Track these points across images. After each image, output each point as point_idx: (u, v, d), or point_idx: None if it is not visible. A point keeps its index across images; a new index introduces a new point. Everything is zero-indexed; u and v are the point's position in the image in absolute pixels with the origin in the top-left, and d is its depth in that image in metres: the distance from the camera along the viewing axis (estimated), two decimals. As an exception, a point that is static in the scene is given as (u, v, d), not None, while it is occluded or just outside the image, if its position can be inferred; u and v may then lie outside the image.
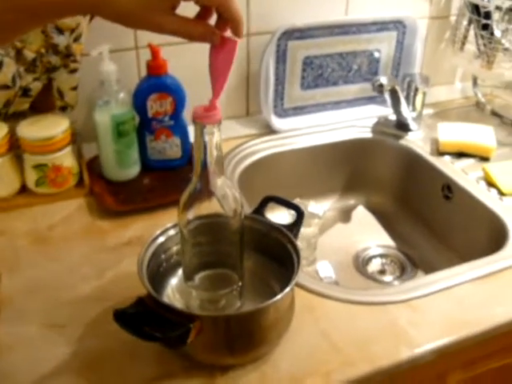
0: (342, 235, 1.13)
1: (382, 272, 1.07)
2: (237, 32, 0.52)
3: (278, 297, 0.59)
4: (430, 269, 1.05)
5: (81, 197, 0.92)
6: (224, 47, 0.53)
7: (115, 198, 0.90)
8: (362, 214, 1.18)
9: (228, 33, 0.53)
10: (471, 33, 1.19)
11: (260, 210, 0.72)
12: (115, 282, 0.75)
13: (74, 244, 0.82)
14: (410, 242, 1.11)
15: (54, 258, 0.79)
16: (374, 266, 1.08)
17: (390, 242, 1.12)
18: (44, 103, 0.90)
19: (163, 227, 0.68)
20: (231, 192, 0.61)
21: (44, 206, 0.89)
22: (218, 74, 0.54)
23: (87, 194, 0.92)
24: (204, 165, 0.58)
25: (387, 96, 1.02)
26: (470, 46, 1.20)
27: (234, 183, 0.98)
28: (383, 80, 0.95)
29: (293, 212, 0.72)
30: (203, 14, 0.52)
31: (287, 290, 0.60)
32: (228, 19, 0.51)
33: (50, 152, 0.88)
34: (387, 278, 1.05)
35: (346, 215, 1.18)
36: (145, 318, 0.56)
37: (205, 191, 0.60)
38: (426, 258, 1.07)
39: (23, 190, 0.91)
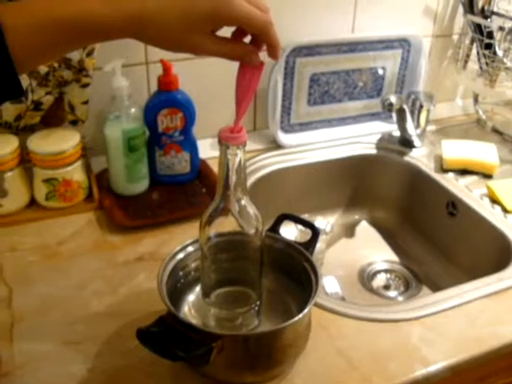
0: (347, 250, 1.14)
1: (387, 287, 1.07)
2: (275, 55, 0.52)
3: (299, 316, 0.59)
4: (434, 285, 1.06)
5: (90, 211, 0.92)
6: (254, 70, 0.53)
7: (124, 213, 0.90)
8: (366, 229, 1.19)
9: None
10: (473, 51, 1.21)
11: (275, 227, 0.72)
12: (129, 298, 0.75)
13: (84, 259, 0.82)
14: (414, 257, 1.12)
15: (66, 274, 0.79)
16: (379, 281, 1.08)
17: (395, 257, 1.13)
18: (55, 117, 0.90)
19: (182, 244, 0.68)
20: (253, 211, 0.61)
21: (53, 220, 0.89)
22: (243, 94, 0.55)
23: (96, 209, 0.92)
24: (226, 184, 0.59)
25: (394, 113, 1.04)
26: (473, 65, 1.22)
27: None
28: (393, 99, 0.96)
29: (301, 227, 0.72)
30: (239, 34, 0.53)
31: (306, 310, 0.60)
32: (267, 44, 0.51)
33: (61, 166, 0.87)
34: (392, 293, 1.06)
35: (350, 230, 1.18)
36: (167, 336, 0.56)
37: (226, 210, 0.60)
38: (430, 274, 1.08)
39: (32, 203, 0.90)
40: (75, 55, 0.85)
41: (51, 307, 0.73)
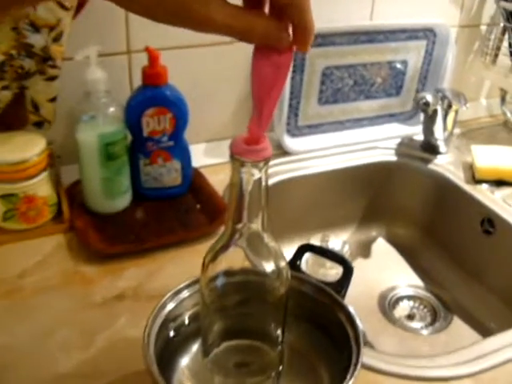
0: (364, 272, 0.98)
1: (411, 317, 0.92)
2: (306, 43, 0.36)
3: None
4: (466, 314, 0.91)
5: (59, 233, 0.75)
6: (281, 55, 0.37)
7: (101, 236, 0.73)
8: (383, 247, 1.03)
9: None
10: (505, 44, 1.06)
11: (295, 262, 0.56)
12: (105, 352, 0.58)
13: (50, 298, 0.65)
14: (441, 281, 0.97)
15: (26, 318, 0.62)
16: (402, 309, 0.93)
17: (418, 281, 0.98)
18: (14, 118, 0.73)
19: (174, 289, 0.51)
20: (274, 247, 0.45)
21: (13, 245, 0.72)
22: (267, 90, 0.38)
23: (67, 230, 0.75)
24: (239, 214, 0.42)
25: (422, 114, 0.88)
26: (504, 59, 1.07)
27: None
28: (429, 98, 0.80)
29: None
30: (251, 4, 0.36)
31: None
32: (299, 22, 0.35)
33: (21, 179, 0.71)
34: (416, 324, 0.90)
35: (366, 249, 1.03)
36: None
37: (237, 244, 0.44)
38: (460, 301, 0.93)
39: (-14, 224, 0.73)
40: (38, 40, 0.68)
41: (8, 367, 0.56)
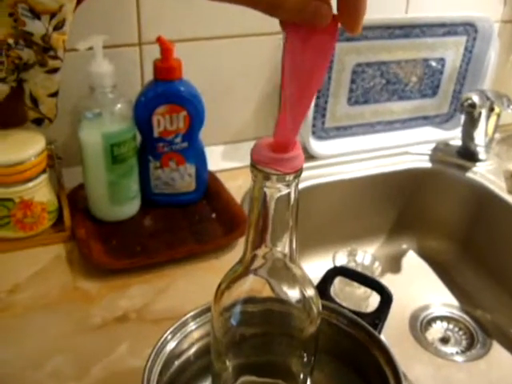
0: (392, 290, 0.88)
1: (445, 340, 0.83)
2: (355, 20, 0.28)
3: None
4: (507, 339, 0.82)
5: (59, 243, 0.67)
6: (321, 36, 0.29)
7: (105, 248, 0.66)
8: (415, 262, 0.95)
9: None
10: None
11: (325, 289, 0.48)
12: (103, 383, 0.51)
13: (44, 318, 0.58)
14: (479, 301, 0.88)
15: (15, 342, 0.55)
16: (435, 331, 0.84)
17: (453, 300, 0.89)
18: (11, 114, 0.66)
19: (178, 321, 0.43)
20: (301, 276, 0.37)
21: (6, 255, 0.65)
22: (303, 84, 0.30)
23: (68, 240, 0.68)
24: (261, 236, 0.34)
25: (463, 117, 0.79)
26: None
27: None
28: (475, 99, 0.71)
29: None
30: None
31: None
32: (346, 4, 0.27)
33: (17, 182, 0.64)
34: (451, 349, 0.81)
35: (395, 263, 0.94)
36: None
37: (257, 274, 0.36)
38: (501, 324, 0.84)
39: (-21, 232, 0.66)
40: (38, 28, 0.60)
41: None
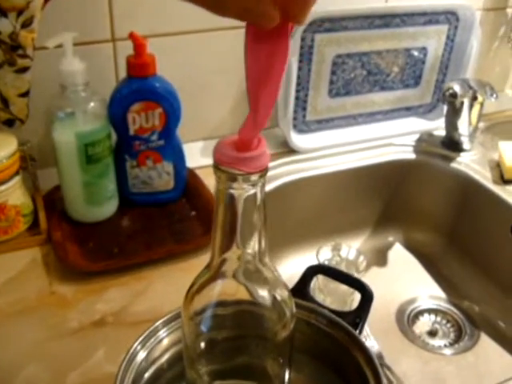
0: (379, 283, 0.87)
1: (433, 334, 0.82)
2: (302, 14, 0.27)
3: None
4: (495, 331, 0.82)
5: (35, 246, 0.66)
6: (273, 36, 0.28)
7: (81, 250, 0.64)
8: (401, 254, 0.94)
9: None
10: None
11: (303, 287, 0.46)
12: (80, 392, 0.50)
13: (19, 324, 0.56)
14: (466, 293, 0.87)
15: (-11, 349, 0.53)
16: (423, 325, 0.83)
17: (440, 292, 0.88)
18: (-19, 116, 0.64)
19: (149, 328, 0.42)
20: (273, 278, 0.36)
21: (-20, 261, 0.63)
22: (260, 83, 0.29)
23: (45, 243, 0.66)
24: (228, 238, 0.33)
25: (445, 106, 0.78)
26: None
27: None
28: (456, 88, 0.70)
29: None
30: None
31: None
32: None
33: (-11, 185, 0.62)
34: (438, 341, 0.81)
35: (381, 256, 0.93)
36: None
37: (227, 277, 0.35)
38: (488, 316, 0.84)
39: (-49, 237, 0.65)
40: (5, 25, 0.58)
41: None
